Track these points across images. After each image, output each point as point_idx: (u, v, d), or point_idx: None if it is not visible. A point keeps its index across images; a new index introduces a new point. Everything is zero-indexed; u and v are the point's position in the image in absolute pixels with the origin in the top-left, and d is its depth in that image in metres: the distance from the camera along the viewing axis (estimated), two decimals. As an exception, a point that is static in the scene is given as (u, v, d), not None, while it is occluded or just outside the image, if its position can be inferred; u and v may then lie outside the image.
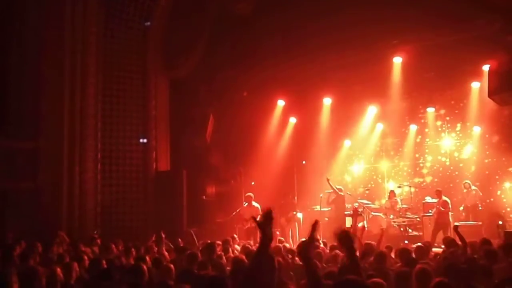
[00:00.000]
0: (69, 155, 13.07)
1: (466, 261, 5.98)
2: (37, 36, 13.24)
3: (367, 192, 16.13)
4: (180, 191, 14.11)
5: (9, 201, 12.71)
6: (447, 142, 16.51)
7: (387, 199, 15.48)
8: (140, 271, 5.33)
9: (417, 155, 17.07)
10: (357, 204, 14.41)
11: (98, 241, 9.97)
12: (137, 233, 13.12)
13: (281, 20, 13.61)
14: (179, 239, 10.13)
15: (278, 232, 12.85)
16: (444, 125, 16.66)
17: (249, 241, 11.63)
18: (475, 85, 14.91)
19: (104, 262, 6.42)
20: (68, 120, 13.13)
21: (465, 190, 14.62)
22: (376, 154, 17.73)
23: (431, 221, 13.44)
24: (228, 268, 6.21)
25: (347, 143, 17.84)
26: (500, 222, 13.05)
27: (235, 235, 11.83)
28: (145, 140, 14.68)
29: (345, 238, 3.75)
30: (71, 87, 13.26)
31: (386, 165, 17.48)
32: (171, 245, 9.34)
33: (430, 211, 13.84)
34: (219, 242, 8.65)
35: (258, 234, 12.84)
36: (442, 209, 13.12)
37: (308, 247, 3.30)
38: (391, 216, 14.57)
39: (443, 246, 8.96)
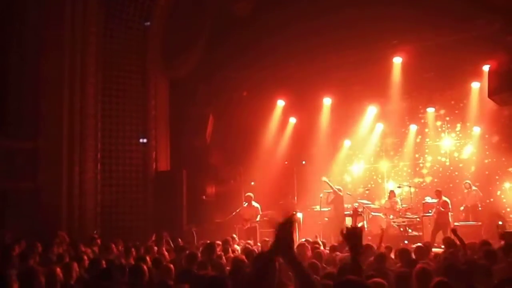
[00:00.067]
0: (69, 155, 13.07)
1: (465, 262, 5.98)
2: (37, 36, 13.24)
3: (367, 192, 16.12)
4: (180, 191, 14.12)
5: (9, 201, 12.71)
6: (447, 142, 16.51)
7: (387, 199, 15.47)
8: (140, 271, 5.33)
9: (417, 155, 17.06)
10: (357, 204, 14.40)
11: (98, 241, 9.97)
12: (137, 233, 13.10)
13: (280, 20, 13.59)
14: (179, 239, 10.14)
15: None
16: (444, 125, 16.65)
17: (249, 241, 11.63)
18: (475, 85, 14.90)
19: (104, 262, 6.42)
20: (67, 120, 13.13)
21: (465, 190, 14.62)
22: (376, 154, 17.73)
23: (431, 221, 13.43)
24: (228, 268, 6.21)
25: (347, 143, 17.83)
26: (500, 223, 13.04)
27: (234, 235, 11.83)
28: (145, 140, 14.69)
29: (352, 235, 3.64)
30: (71, 87, 13.26)
31: (386, 165, 17.47)
32: (172, 244, 9.35)
33: (430, 211, 13.83)
34: (218, 242, 8.65)
35: (258, 235, 12.82)
36: (442, 209, 13.12)
37: (286, 249, 3.08)
38: (391, 216, 14.56)
39: (443, 246, 8.95)
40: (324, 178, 14.31)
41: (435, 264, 6.43)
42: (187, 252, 7.28)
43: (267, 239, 9.56)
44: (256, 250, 8.01)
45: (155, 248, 8.75)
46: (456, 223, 13.49)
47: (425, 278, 4.52)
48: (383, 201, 15.91)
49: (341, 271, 4.85)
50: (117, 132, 14.21)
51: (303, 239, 9.38)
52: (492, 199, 15.12)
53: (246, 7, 14.59)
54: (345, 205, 14.56)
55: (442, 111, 16.61)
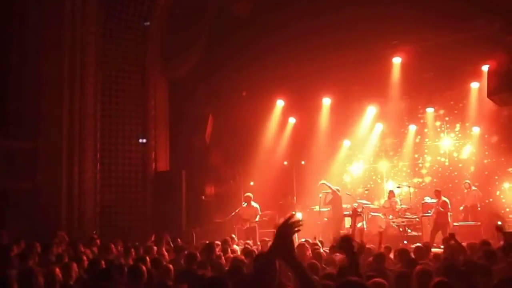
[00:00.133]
0: (69, 155, 13.07)
1: (465, 262, 5.98)
2: (37, 36, 13.24)
3: (366, 192, 16.11)
4: (179, 191, 14.11)
5: (8, 201, 12.71)
6: (446, 142, 16.50)
7: (386, 199, 15.45)
8: (139, 271, 5.32)
9: (416, 156, 17.05)
10: (356, 204, 14.39)
11: (98, 241, 9.96)
12: (136, 233, 13.10)
13: (280, 20, 13.60)
14: (178, 239, 10.13)
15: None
16: (443, 126, 16.64)
17: (248, 241, 11.63)
18: (474, 86, 14.90)
19: (103, 262, 6.41)
20: (67, 120, 13.13)
21: (465, 190, 14.61)
22: (375, 154, 17.72)
23: (430, 222, 13.43)
24: (227, 268, 6.21)
25: (346, 143, 17.83)
26: (499, 223, 13.03)
27: (234, 235, 11.83)
28: (144, 140, 14.69)
29: (345, 242, 3.67)
30: (71, 87, 13.26)
31: (385, 165, 17.47)
32: (171, 245, 9.35)
33: (429, 211, 13.83)
34: (218, 242, 8.65)
35: (257, 235, 12.82)
36: (442, 209, 13.11)
37: (287, 249, 3.07)
38: (390, 217, 14.55)
39: (442, 247, 8.95)
40: (322, 182, 14.35)
41: (434, 264, 6.43)
42: (186, 252, 7.27)
43: (266, 239, 9.57)
44: (255, 251, 8.01)
45: (155, 248, 8.75)
46: (455, 223, 13.50)
47: (426, 278, 4.52)
48: (382, 201, 15.88)
49: (341, 271, 4.84)
50: (116, 132, 14.21)
51: (303, 240, 9.37)
52: (491, 199, 15.12)
53: (245, 7, 14.59)
54: (345, 205, 14.56)
55: (441, 111, 16.61)
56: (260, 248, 9.19)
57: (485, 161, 15.49)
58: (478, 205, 14.35)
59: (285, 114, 17.35)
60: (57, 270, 5.40)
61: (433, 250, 9.18)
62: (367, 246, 7.66)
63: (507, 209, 14.77)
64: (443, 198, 13.44)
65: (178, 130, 15.61)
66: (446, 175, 16.29)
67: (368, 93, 16.04)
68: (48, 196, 12.77)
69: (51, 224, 11.97)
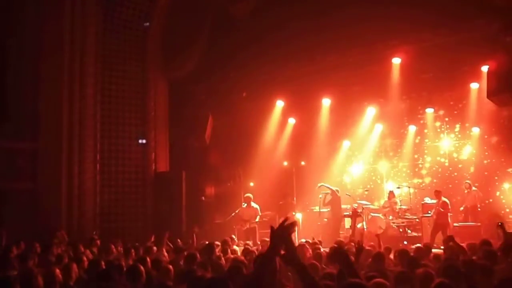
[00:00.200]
0: (68, 156, 13.07)
1: (465, 262, 5.97)
2: (36, 36, 13.25)
3: (366, 193, 16.10)
4: (179, 192, 14.12)
5: (8, 201, 12.70)
6: (446, 143, 16.49)
7: (386, 200, 15.45)
8: (137, 272, 5.32)
9: (416, 156, 17.04)
10: (356, 205, 14.39)
11: (98, 242, 9.96)
12: (137, 234, 13.11)
13: (279, 20, 13.60)
14: (178, 240, 10.13)
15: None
16: (443, 126, 16.64)
17: (248, 241, 11.62)
18: (474, 86, 14.89)
19: (103, 263, 6.40)
20: (67, 120, 13.13)
21: (466, 191, 14.60)
22: (375, 155, 17.71)
23: (430, 222, 13.42)
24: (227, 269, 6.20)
25: (346, 143, 17.82)
26: (499, 223, 13.01)
27: (234, 236, 11.83)
28: (144, 141, 14.69)
29: (337, 254, 3.70)
30: (70, 88, 13.26)
31: (385, 166, 17.45)
32: (171, 245, 9.34)
33: (429, 212, 13.82)
34: (218, 243, 8.65)
35: (257, 235, 12.82)
36: (442, 210, 13.11)
37: (292, 253, 3.14)
38: (390, 217, 14.55)
39: (442, 247, 8.94)
40: (320, 184, 14.36)
41: (435, 264, 6.42)
42: (186, 253, 7.27)
43: (266, 239, 9.56)
44: (255, 251, 8.01)
45: (155, 249, 8.74)
46: (455, 224, 13.50)
47: (427, 281, 4.51)
48: (382, 202, 15.88)
49: (341, 272, 4.83)
50: (116, 133, 14.21)
51: (303, 240, 9.37)
52: (491, 200, 15.12)
53: (245, 8, 14.60)
54: (345, 206, 14.58)
55: (441, 112, 16.60)
56: (260, 248, 9.18)
57: (485, 161, 15.49)
58: (478, 206, 14.34)
59: (285, 114, 17.35)
60: (57, 271, 5.40)
61: (433, 250, 9.17)
62: (367, 247, 7.65)
63: (507, 210, 14.76)
64: (443, 199, 13.43)
65: (178, 130, 15.61)
66: (446, 175, 16.28)
67: (368, 94, 16.04)
68: (48, 197, 12.77)
69: (50, 225, 11.97)
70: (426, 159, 16.88)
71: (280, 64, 15.27)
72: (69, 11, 13.28)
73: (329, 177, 16.60)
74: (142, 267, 5.44)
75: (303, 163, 17.89)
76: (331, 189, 14.16)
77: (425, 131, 16.87)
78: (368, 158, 17.83)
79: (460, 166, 16.11)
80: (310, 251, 7.66)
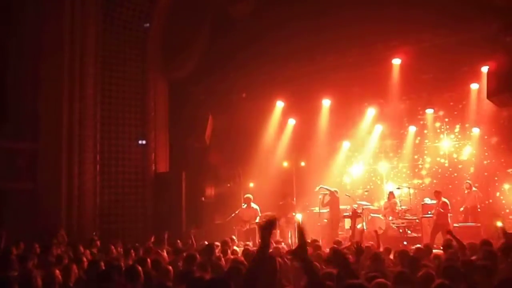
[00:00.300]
0: (68, 156, 13.07)
1: (465, 263, 5.96)
2: (36, 37, 13.25)
3: (366, 193, 16.10)
4: (179, 193, 14.12)
5: (8, 201, 12.70)
6: (446, 143, 16.49)
7: (386, 200, 15.44)
8: (135, 272, 5.31)
9: (416, 157, 17.03)
10: (356, 205, 14.39)
11: (98, 242, 9.96)
12: (136, 234, 13.10)
13: (279, 21, 13.61)
14: (178, 241, 10.12)
15: (278, 231, 12.84)
16: (443, 127, 16.63)
17: (248, 242, 11.61)
18: (474, 87, 14.89)
19: (103, 264, 6.40)
20: (67, 121, 13.13)
21: (466, 191, 14.59)
22: (375, 156, 17.70)
23: (430, 223, 13.42)
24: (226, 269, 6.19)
25: (346, 144, 17.81)
26: (500, 224, 13.01)
27: (233, 237, 11.82)
28: (144, 142, 14.69)
29: (335, 256, 3.80)
30: (70, 88, 13.26)
31: (385, 167, 17.44)
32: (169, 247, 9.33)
33: (429, 212, 13.82)
34: (217, 243, 8.64)
35: (258, 236, 12.80)
36: (442, 210, 13.10)
37: (304, 249, 3.33)
38: (390, 218, 14.55)
39: (442, 248, 8.93)
40: (319, 186, 14.35)
41: (435, 265, 6.42)
42: (186, 254, 7.26)
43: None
44: (255, 252, 7.99)
45: (155, 249, 8.73)
46: (455, 225, 13.48)
47: (428, 282, 4.50)
48: (382, 203, 15.88)
49: (341, 272, 4.83)
50: (116, 133, 14.21)
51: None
52: (491, 200, 15.11)
53: (244, 9, 14.60)
54: (345, 207, 14.58)
55: (441, 112, 16.60)
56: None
57: (485, 162, 15.48)
58: (478, 206, 14.33)
59: (285, 115, 17.35)
60: (57, 271, 5.39)
61: (433, 251, 9.17)
62: (367, 245, 7.66)
63: (507, 210, 14.75)
64: (443, 199, 13.43)
65: (178, 131, 15.61)
66: (446, 176, 16.27)
67: (368, 94, 16.04)
68: (48, 197, 12.76)
69: (50, 225, 11.96)
70: (426, 160, 16.87)
71: (280, 64, 15.28)
72: (69, 11, 13.28)
73: (329, 177, 16.59)
74: (140, 268, 5.43)
75: (303, 163, 17.87)
76: (329, 190, 14.16)
77: (425, 131, 16.86)
78: (368, 158, 17.82)
79: (460, 166, 16.11)
80: (310, 251, 7.66)
